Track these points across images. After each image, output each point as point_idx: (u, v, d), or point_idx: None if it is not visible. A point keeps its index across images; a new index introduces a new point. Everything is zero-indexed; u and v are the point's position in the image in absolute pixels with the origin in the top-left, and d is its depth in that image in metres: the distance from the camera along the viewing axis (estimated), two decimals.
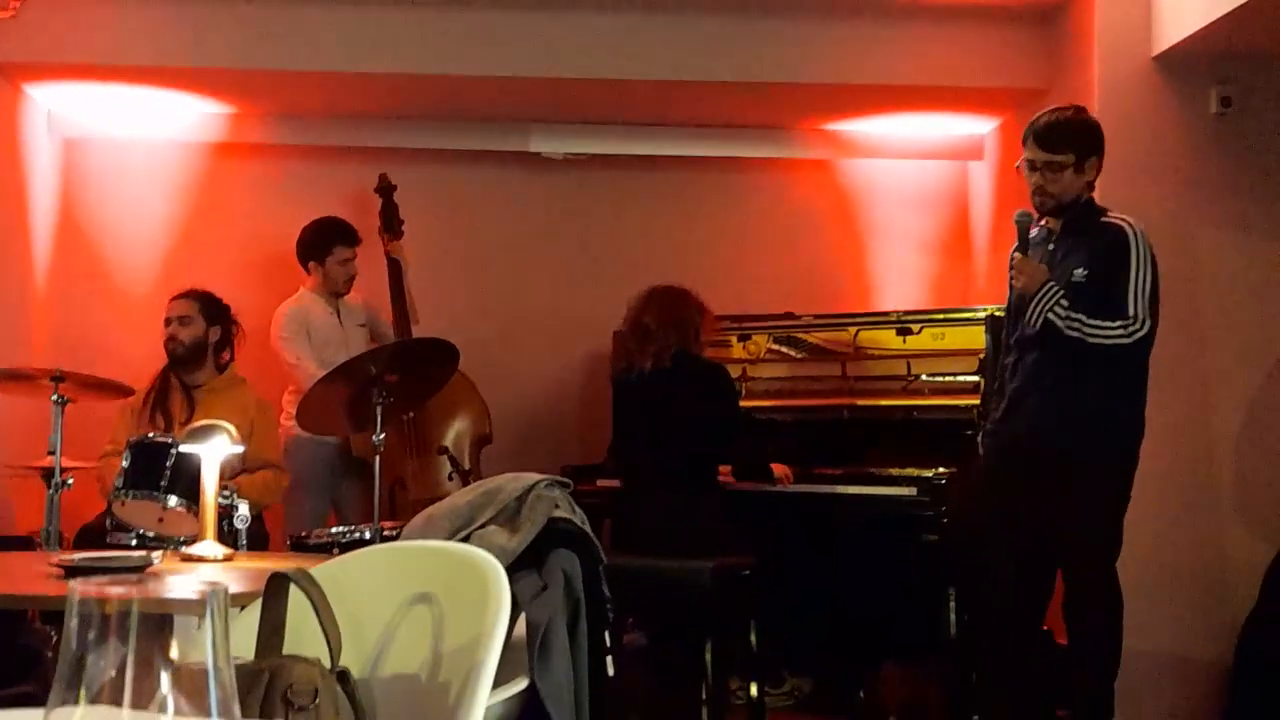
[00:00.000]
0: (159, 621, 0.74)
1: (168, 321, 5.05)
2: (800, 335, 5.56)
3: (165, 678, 0.75)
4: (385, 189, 5.77)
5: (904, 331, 5.30)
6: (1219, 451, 4.95)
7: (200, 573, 3.02)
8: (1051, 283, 4.01)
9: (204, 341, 5.00)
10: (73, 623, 0.76)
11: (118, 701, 0.74)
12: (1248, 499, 4.93)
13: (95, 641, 0.74)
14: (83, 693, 0.74)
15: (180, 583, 0.71)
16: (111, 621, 0.74)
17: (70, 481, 4.25)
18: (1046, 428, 4.10)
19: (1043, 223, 4.18)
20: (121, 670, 0.74)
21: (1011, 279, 4.15)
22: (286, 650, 1.71)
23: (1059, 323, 3.97)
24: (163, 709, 0.75)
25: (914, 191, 6.29)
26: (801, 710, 5.17)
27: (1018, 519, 4.19)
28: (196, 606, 0.75)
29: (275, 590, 1.71)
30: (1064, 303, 3.97)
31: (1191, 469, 4.90)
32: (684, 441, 4.89)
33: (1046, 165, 4.08)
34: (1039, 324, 4.02)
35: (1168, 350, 4.49)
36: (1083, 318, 3.95)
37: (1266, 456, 4.94)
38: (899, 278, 6.25)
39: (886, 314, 5.49)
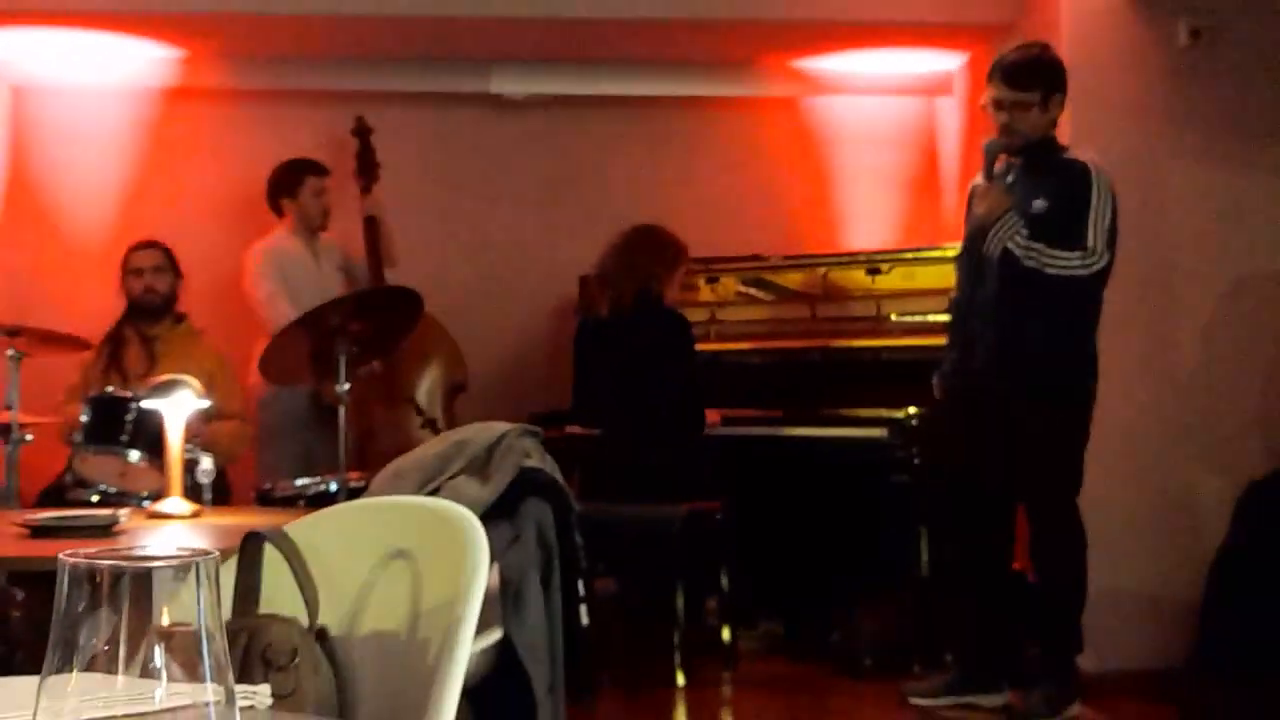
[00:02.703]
0: (149, 589, 0.75)
1: (139, 271, 5.05)
2: (769, 277, 5.54)
3: (158, 645, 0.76)
4: (362, 131, 5.67)
5: (873, 271, 5.29)
6: (1185, 387, 4.97)
7: (173, 531, 2.97)
8: (1011, 212, 4.04)
9: (172, 292, 5.04)
10: (63, 592, 0.76)
11: (111, 669, 0.75)
12: (1215, 434, 4.96)
13: (86, 610, 0.75)
14: (75, 661, 0.75)
15: (166, 549, 0.69)
16: (103, 591, 0.75)
17: (29, 437, 4.19)
18: (1003, 365, 4.14)
19: (1005, 159, 4.21)
20: (114, 638, 0.75)
21: (972, 207, 4.18)
22: (262, 610, 1.68)
23: (1017, 251, 4.02)
24: (155, 675, 0.75)
25: (881, 128, 6.25)
26: (774, 652, 5.19)
27: (977, 457, 4.23)
28: (187, 574, 0.76)
29: (250, 549, 1.68)
30: (1023, 231, 4.01)
31: (1158, 405, 4.93)
32: (646, 387, 4.89)
33: (1014, 104, 4.12)
34: (997, 253, 4.05)
35: (1134, 286, 4.50)
36: (1041, 247, 4.00)
37: (1233, 391, 4.97)
38: (867, 216, 6.22)
39: (856, 254, 5.49)
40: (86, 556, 0.75)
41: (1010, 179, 4.20)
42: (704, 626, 5.03)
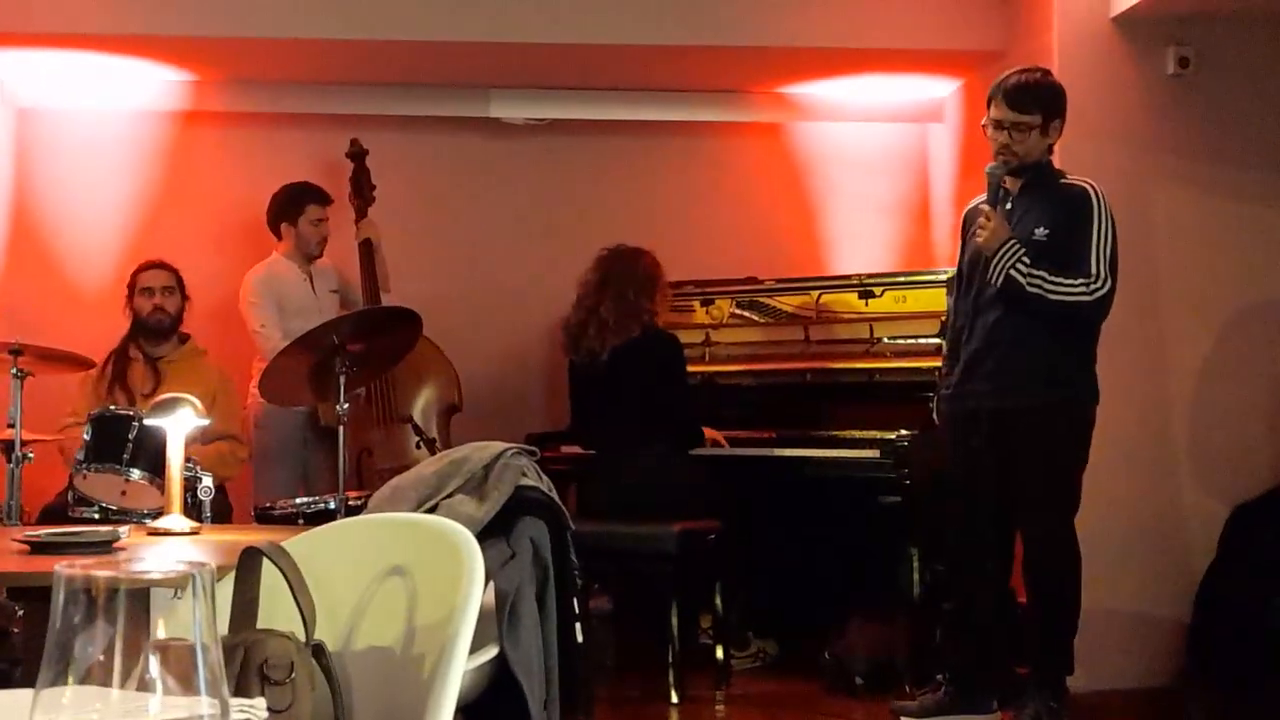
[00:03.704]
0: (145, 602, 0.74)
1: (149, 291, 5.07)
2: (763, 300, 5.58)
3: (153, 657, 0.75)
4: (357, 154, 5.71)
5: (866, 295, 5.33)
6: (1174, 411, 4.99)
7: (172, 547, 3.00)
8: (1014, 240, 4.05)
9: (181, 314, 5.06)
10: (59, 604, 0.75)
11: (106, 681, 0.74)
12: (1203, 458, 4.97)
13: (82, 623, 0.74)
14: (71, 673, 0.74)
15: (161, 561, 0.70)
16: (99, 602, 0.74)
17: (31, 455, 4.22)
18: (1003, 389, 4.14)
19: (1001, 184, 4.22)
20: (109, 650, 0.74)
21: (973, 233, 4.18)
22: (259, 625, 1.69)
23: (1021, 279, 4.02)
24: (151, 688, 0.75)
25: (874, 155, 6.29)
26: (767, 672, 5.21)
27: (977, 480, 4.24)
28: (183, 586, 0.76)
29: (248, 564, 1.70)
30: (1026, 259, 4.01)
31: (1147, 429, 4.94)
32: (641, 408, 4.92)
33: (1014, 125, 4.12)
34: (1000, 281, 4.06)
35: (1123, 311, 4.52)
36: (1045, 275, 4.00)
37: (1221, 415, 4.99)
38: (860, 242, 6.25)
39: (849, 277, 5.51)
40: (83, 568, 0.75)
41: (1009, 205, 4.21)
42: (697, 645, 5.05)
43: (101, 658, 0.74)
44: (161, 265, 5.15)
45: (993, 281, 4.08)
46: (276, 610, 1.69)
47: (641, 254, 5.10)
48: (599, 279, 5.04)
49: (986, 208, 4.15)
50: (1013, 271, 4.02)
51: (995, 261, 4.06)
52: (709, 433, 5.15)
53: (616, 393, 4.97)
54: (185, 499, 3.45)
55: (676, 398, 5.02)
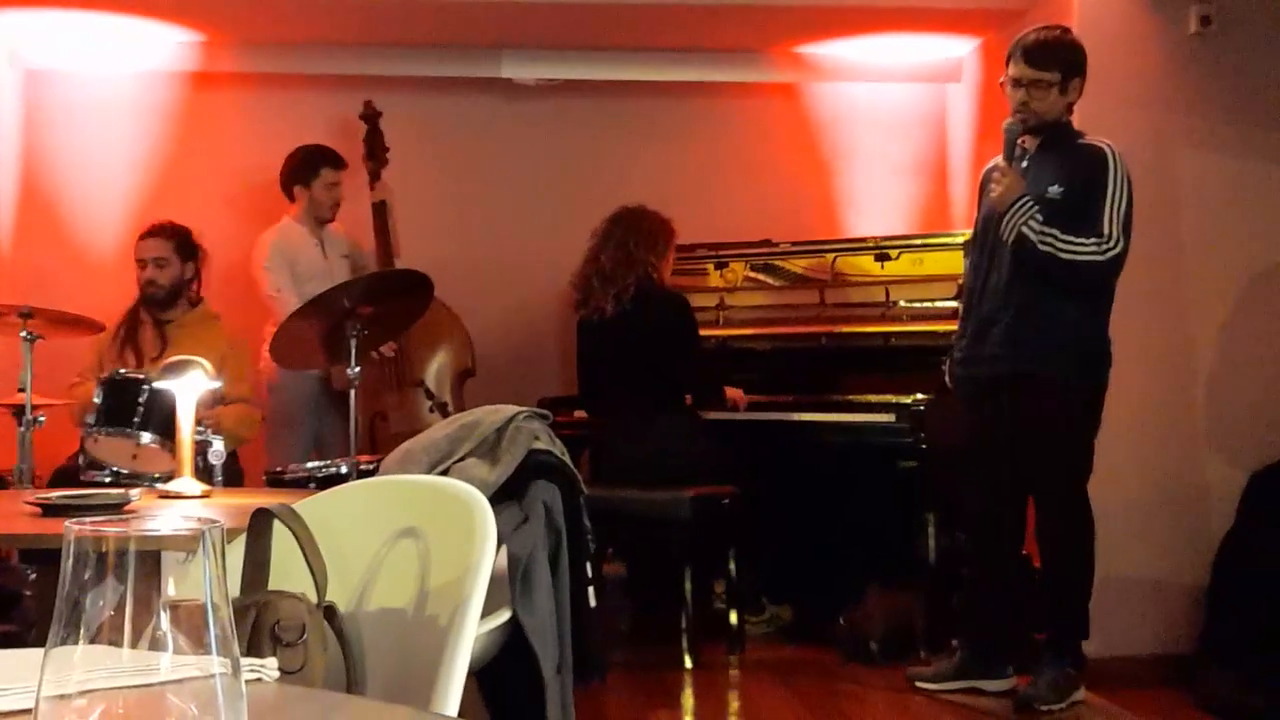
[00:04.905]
0: (156, 560, 0.74)
1: (142, 263, 5.00)
2: (778, 263, 5.55)
3: (164, 616, 0.74)
4: (370, 115, 5.69)
5: (882, 257, 5.29)
6: (1195, 375, 4.96)
7: (184, 509, 2.99)
8: (1027, 197, 4.02)
9: (181, 280, 5.00)
10: (69, 562, 0.74)
11: (117, 640, 0.73)
12: (1223, 423, 4.95)
13: (92, 581, 0.73)
14: (81, 632, 0.73)
15: (172, 520, 0.68)
16: (109, 560, 0.73)
17: (42, 419, 4.21)
18: (1015, 355, 4.13)
19: (1019, 142, 4.19)
20: (119, 609, 0.73)
21: (989, 190, 4.16)
22: (271, 586, 1.68)
23: (1032, 236, 4.00)
24: (162, 647, 0.74)
25: (892, 115, 6.24)
26: (781, 638, 5.21)
27: (990, 444, 4.22)
28: (193, 544, 0.75)
29: (259, 526, 1.69)
30: (1038, 217, 3.99)
31: (1167, 393, 4.91)
32: (652, 373, 4.91)
33: (1032, 83, 4.10)
34: (1011, 238, 4.04)
35: (1144, 274, 4.50)
36: (1056, 233, 3.98)
37: (1242, 380, 4.95)
38: (876, 204, 6.21)
39: (864, 240, 5.48)
40: (93, 525, 0.74)
41: (1025, 163, 4.18)
42: (711, 611, 5.05)
43: (112, 614, 0.73)
44: (157, 232, 5.03)
45: (1004, 238, 4.07)
46: (288, 572, 1.68)
47: (653, 213, 5.10)
48: (605, 230, 5.07)
49: (1002, 164, 4.12)
50: (1024, 228, 4.00)
51: (1008, 218, 4.05)
52: (731, 391, 5.13)
53: (625, 356, 4.95)
54: (196, 463, 3.43)
55: (688, 359, 5.00)
